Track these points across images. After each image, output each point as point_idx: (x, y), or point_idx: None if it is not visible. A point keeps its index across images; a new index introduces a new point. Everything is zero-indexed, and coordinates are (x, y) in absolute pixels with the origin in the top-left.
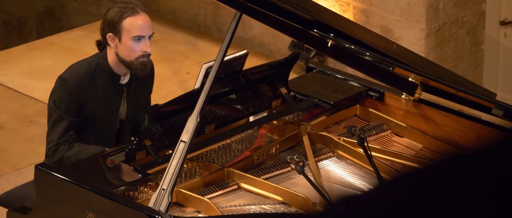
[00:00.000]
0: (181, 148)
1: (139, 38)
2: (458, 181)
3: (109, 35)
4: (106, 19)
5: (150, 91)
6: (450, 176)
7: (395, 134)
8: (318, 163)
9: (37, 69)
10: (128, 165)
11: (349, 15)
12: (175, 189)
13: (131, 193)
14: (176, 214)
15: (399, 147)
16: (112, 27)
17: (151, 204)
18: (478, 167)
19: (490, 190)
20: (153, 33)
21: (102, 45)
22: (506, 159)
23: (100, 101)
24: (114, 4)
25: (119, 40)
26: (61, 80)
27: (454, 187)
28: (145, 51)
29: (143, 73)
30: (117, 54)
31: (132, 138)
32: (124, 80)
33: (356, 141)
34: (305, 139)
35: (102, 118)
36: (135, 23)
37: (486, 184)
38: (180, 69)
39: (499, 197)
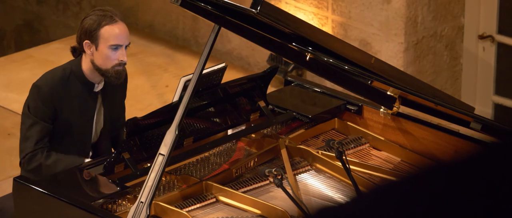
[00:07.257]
0: (159, 161)
1: (116, 47)
2: (438, 192)
3: (86, 42)
4: (84, 26)
5: (124, 97)
6: (429, 187)
7: (373, 148)
8: (297, 176)
9: (16, 81)
10: (107, 178)
11: (327, 28)
12: (153, 202)
13: (110, 206)
14: None
15: (378, 160)
16: (89, 34)
17: (129, 217)
18: (458, 178)
19: (471, 201)
20: (129, 43)
21: (77, 51)
22: (488, 169)
23: (74, 109)
24: (92, 12)
25: (96, 48)
26: (36, 87)
27: (434, 198)
28: (121, 60)
29: (117, 82)
30: (92, 62)
31: (112, 149)
32: (98, 88)
33: (334, 155)
34: (284, 152)
35: (77, 125)
36: (113, 32)
37: (466, 195)
38: (159, 82)
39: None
